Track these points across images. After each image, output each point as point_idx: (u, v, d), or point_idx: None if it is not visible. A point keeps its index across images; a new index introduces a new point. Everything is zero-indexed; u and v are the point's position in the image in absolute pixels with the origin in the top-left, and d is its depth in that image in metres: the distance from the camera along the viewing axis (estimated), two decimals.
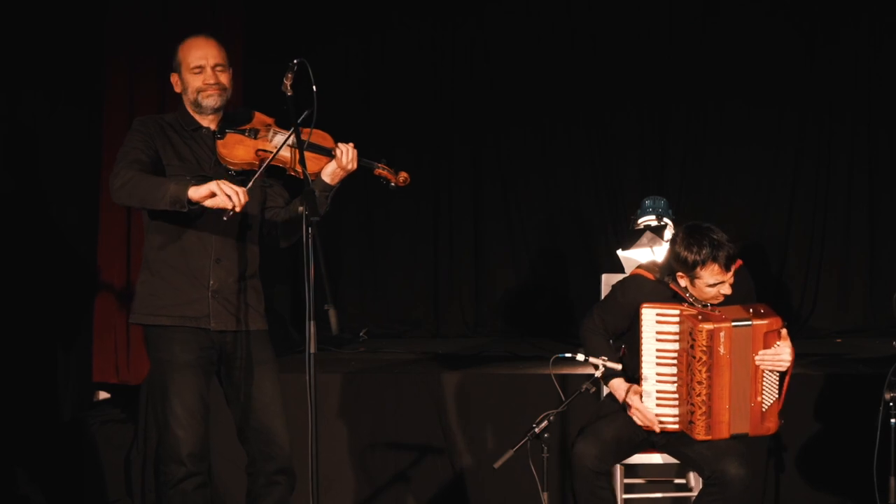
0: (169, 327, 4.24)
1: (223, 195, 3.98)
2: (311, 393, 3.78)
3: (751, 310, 4.51)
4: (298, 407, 4.06)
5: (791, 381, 4.52)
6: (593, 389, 4.55)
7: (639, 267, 4.80)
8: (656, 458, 4.81)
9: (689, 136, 7.75)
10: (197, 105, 4.32)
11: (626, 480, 4.97)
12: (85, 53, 6.34)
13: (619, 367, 4.60)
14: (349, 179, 4.36)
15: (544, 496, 4.40)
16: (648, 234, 6.03)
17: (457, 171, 7.86)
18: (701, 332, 4.41)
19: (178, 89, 4.35)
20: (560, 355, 4.56)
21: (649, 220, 6.11)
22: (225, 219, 4.06)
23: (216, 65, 4.30)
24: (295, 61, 4.00)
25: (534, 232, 7.84)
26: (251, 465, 4.36)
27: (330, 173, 4.28)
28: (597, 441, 4.53)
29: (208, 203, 4.01)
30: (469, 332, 7.73)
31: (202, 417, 4.24)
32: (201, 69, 4.29)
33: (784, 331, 4.49)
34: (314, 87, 3.95)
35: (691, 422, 4.50)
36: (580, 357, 4.54)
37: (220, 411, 4.44)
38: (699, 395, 4.46)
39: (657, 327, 4.54)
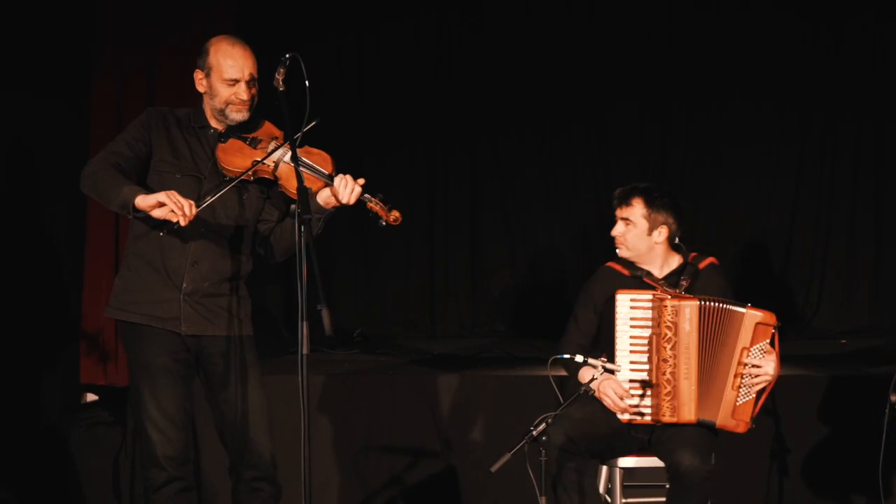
0: (139, 325, 4.16)
1: (170, 207, 3.88)
2: (303, 394, 3.71)
3: (749, 304, 4.49)
4: (291, 409, 4.00)
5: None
6: (592, 391, 4.49)
7: (611, 261, 4.82)
8: (653, 462, 4.73)
9: (690, 135, 7.74)
10: (222, 114, 4.19)
11: (627, 483, 4.90)
12: (73, 51, 6.29)
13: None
14: None
15: (542, 500, 4.34)
16: None
17: (454, 169, 7.83)
18: (666, 307, 4.45)
19: (200, 89, 4.21)
20: (558, 356, 4.54)
21: None
22: (161, 234, 3.99)
23: (251, 79, 4.17)
24: (287, 56, 3.94)
25: (532, 231, 7.81)
26: (232, 470, 4.30)
27: (325, 199, 4.13)
28: (564, 421, 4.47)
29: (156, 213, 3.91)
30: (465, 333, 7.69)
31: (181, 421, 4.16)
32: (236, 82, 4.15)
33: (776, 336, 4.47)
34: (307, 83, 3.89)
35: (658, 404, 4.48)
36: (579, 359, 4.49)
37: (207, 413, 4.36)
38: (664, 373, 4.46)
39: (631, 313, 4.55)
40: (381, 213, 4.20)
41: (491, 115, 7.78)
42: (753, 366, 4.44)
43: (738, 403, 4.45)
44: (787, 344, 6.58)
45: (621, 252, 4.75)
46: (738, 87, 7.61)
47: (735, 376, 4.44)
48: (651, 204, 4.67)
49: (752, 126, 7.63)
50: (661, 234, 4.68)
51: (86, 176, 4.04)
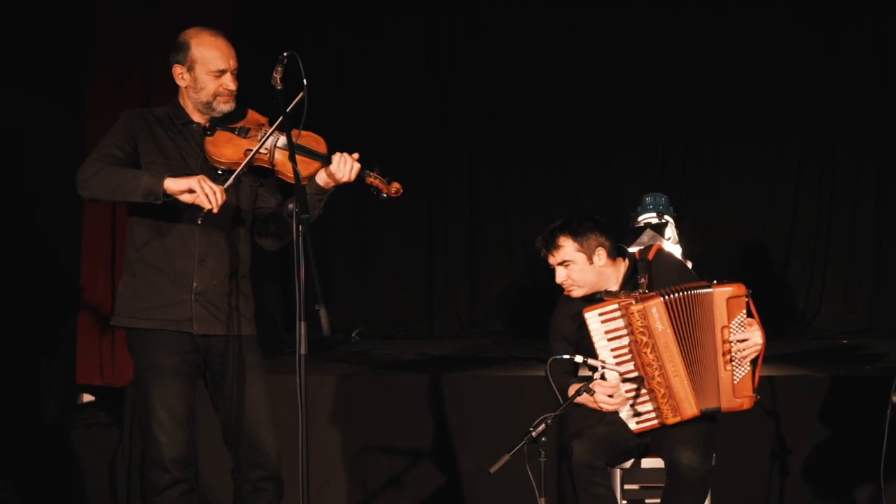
0: (150, 330, 4.12)
1: (202, 193, 3.87)
2: (301, 395, 3.69)
3: (714, 281, 4.41)
4: (289, 409, 3.98)
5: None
6: (591, 392, 4.47)
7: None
8: (653, 463, 4.71)
9: (690, 135, 7.75)
10: (209, 107, 4.15)
11: (626, 486, 4.88)
12: (71, 51, 6.28)
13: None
14: None
15: (541, 501, 4.31)
16: (649, 231, 5.98)
17: (452, 168, 7.82)
18: (633, 314, 4.40)
19: (182, 83, 4.17)
20: (558, 357, 4.49)
21: (650, 217, 6.07)
22: (199, 222, 3.95)
23: (235, 69, 4.16)
24: (285, 54, 3.91)
25: (531, 232, 7.73)
26: (237, 471, 4.27)
27: (324, 180, 4.14)
28: (589, 439, 4.46)
29: (185, 198, 3.89)
30: (464, 333, 7.69)
31: (187, 423, 4.14)
32: (222, 73, 4.13)
33: (751, 304, 4.39)
34: (304, 81, 3.86)
35: (658, 408, 4.44)
36: (578, 359, 4.46)
37: (207, 415, 4.34)
38: (653, 378, 4.43)
39: (604, 327, 4.47)
40: (382, 186, 4.19)
41: (491, 115, 7.78)
42: (739, 341, 4.38)
43: (735, 382, 4.39)
44: (788, 344, 6.59)
45: (575, 293, 4.65)
46: (738, 87, 7.61)
47: (724, 356, 4.39)
48: (577, 234, 4.59)
49: (752, 126, 7.63)
50: (601, 256, 4.60)
51: (86, 178, 3.98)
